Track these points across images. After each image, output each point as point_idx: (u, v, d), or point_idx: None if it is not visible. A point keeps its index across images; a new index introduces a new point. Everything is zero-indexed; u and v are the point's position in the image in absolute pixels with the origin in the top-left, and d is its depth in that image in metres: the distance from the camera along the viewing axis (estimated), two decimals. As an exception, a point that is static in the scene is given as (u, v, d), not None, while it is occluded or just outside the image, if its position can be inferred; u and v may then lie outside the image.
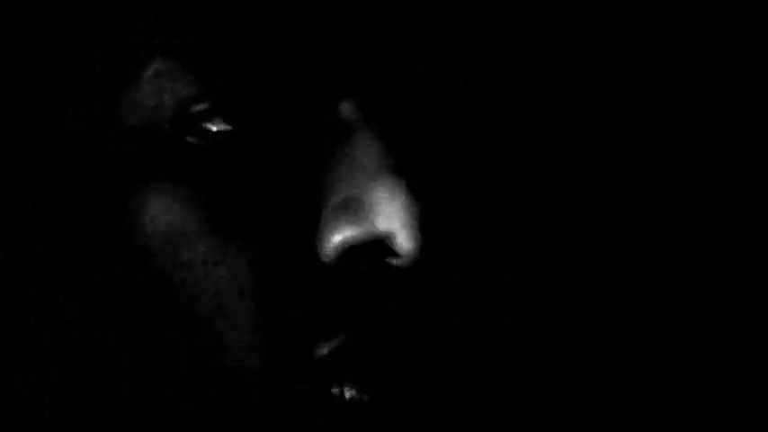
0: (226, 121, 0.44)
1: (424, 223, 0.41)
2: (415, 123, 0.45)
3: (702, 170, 0.60)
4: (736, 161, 0.60)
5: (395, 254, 0.42)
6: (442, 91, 0.45)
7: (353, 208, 0.42)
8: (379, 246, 0.42)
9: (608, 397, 0.58)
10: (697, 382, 0.59)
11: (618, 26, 0.55)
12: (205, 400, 0.44)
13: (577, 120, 0.54)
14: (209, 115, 0.44)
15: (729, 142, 0.60)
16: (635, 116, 0.57)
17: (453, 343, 0.44)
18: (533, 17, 0.49)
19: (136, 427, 0.47)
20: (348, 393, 0.42)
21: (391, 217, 0.41)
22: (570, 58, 0.52)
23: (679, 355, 0.59)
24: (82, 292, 0.49)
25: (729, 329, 0.60)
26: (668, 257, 0.58)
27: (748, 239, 0.60)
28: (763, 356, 0.59)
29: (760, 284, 0.60)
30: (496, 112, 0.47)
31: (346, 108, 0.44)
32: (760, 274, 0.60)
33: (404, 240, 0.41)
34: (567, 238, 0.53)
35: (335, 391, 0.42)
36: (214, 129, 0.44)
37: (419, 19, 0.45)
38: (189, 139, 0.44)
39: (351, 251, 0.42)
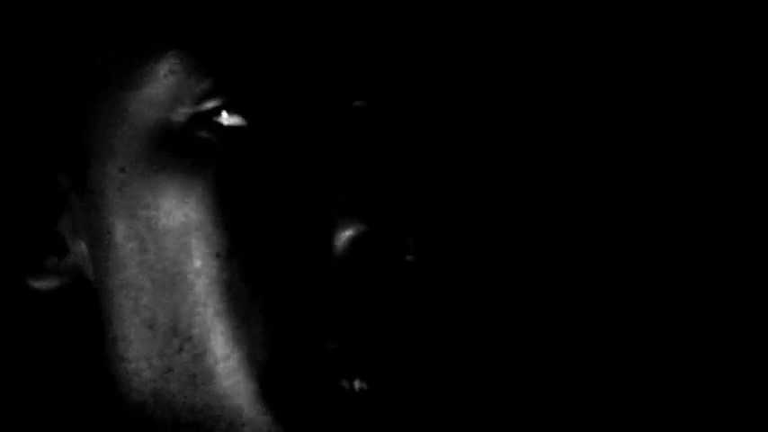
0: (237, 117, 0.44)
1: (434, 220, 0.42)
2: (425, 122, 0.45)
3: (702, 170, 0.60)
4: (736, 161, 0.60)
5: (404, 249, 0.42)
6: (450, 92, 0.46)
7: (363, 204, 0.42)
8: (389, 241, 0.42)
9: (608, 397, 0.58)
10: (697, 382, 0.59)
11: (619, 28, 0.55)
12: (213, 394, 0.44)
13: (576, 119, 0.54)
14: (222, 111, 0.44)
15: (729, 142, 0.60)
16: (635, 118, 0.57)
17: (460, 336, 0.45)
18: (537, 20, 0.49)
19: (145, 418, 0.47)
20: (358, 386, 0.42)
21: (401, 214, 0.41)
22: (569, 61, 0.52)
23: (679, 355, 0.59)
24: (97, 285, 0.49)
25: (729, 329, 0.60)
26: (667, 258, 0.58)
27: (748, 240, 0.60)
28: (764, 356, 0.59)
29: (760, 284, 0.60)
30: (502, 113, 0.47)
31: (357, 106, 0.44)
32: (760, 274, 0.60)
33: (413, 236, 0.41)
34: (568, 236, 0.54)
35: (345, 383, 0.42)
36: (225, 123, 0.44)
37: (426, 20, 0.45)
38: (202, 134, 0.44)
39: (361, 247, 0.42)
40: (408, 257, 0.42)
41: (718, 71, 0.60)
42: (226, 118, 0.44)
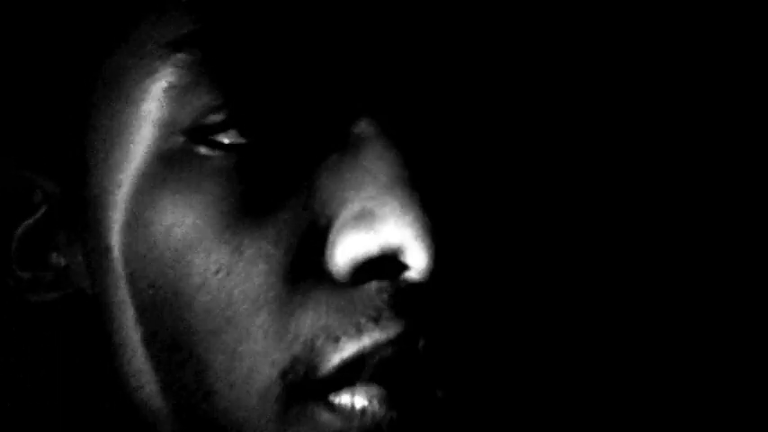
0: (239, 132, 0.44)
1: (437, 236, 0.41)
2: (428, 137, 0.45)
3: (702, 170, 0.60)
4: (736, 161, 0.60)
5: (406, 266, 0.42)
6: (454, 104, 0.45)
7: (365, 220, 0.42)
8: (391, 258, 0.42)
9: (609, 397, 0.58)
10: (697, 382, 0.59)
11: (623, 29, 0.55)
12: (215, 409, 0.44)
13: (588, 131, 0.54)
14: (223, 127, 0.44)
15: (729, 142, 0.60)
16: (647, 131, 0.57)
17: (463, 353, 0.44)
18: (543, 29, 0.49)
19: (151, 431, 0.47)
20: (359, 403, 0.42)
21: (403, 230, 0.41)
22: (579, 67, 0.52)
23: (679, 355, 0.59)
24: (95, 302, 0.49)
25: (729, 329, 0.60)
26: (676, 264, 0.58)
27: (748, 239, 0.60)
28: (764, 356, 0.59)
29: (760, 284, 0.60)
30: (507, 125, 0.47)
31: (359, 121, 0.44)
32: (760, 274, 0.60)
33: (416, 253, 0.41)
34: (578, 248, 0.53)
35: (346, 400, 0.42)
36: (227, 141, 0.44)
37: (432, 36, 0.45)
38: (202, 150, 0.44)
39: (363, 264, 0.42)
40: (409, 274, 0.42)
41: (719, 71, 0.60)
42: (226, 134, 0.44)
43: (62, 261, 0.50)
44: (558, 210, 0.51)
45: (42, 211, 0.50)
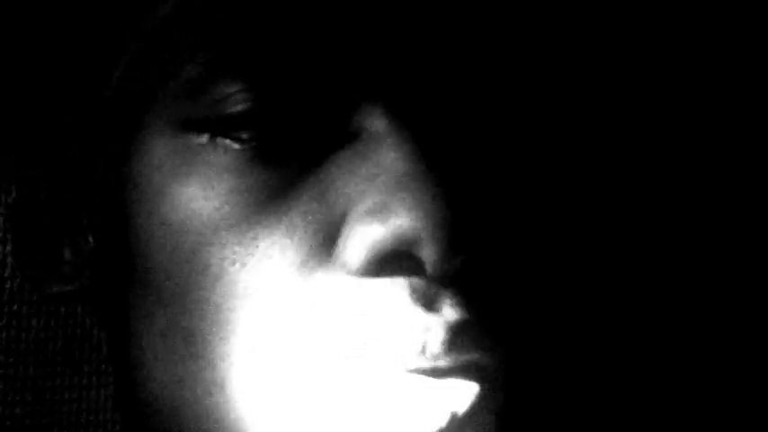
0: (254, 126, 0.44)
1: (451, 230, 0.41)
2: (440, 130, 0.45)
3: (702, 171, 0.60)
4: (736, 161, 0.60)
5: (421, 261, 0.42)
6: (467, 98, 0.45)
7: (379, 214, 0.42)
8: (406, 253, 0.42)
9: (611, 398, 0.58)
10: (697, 382, 0.60)
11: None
12: (227, 401, 0.44)
13: (602, 125, 0.54)
14: (238, 120, 0.44)
15: (729, 143, 0.60)
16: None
17: (480, 349, 0.44)
18: (560, 23, 0.49)
19: (157, 425, 0.47)
20: (376, 400, 0.42)
21: (417, 223, 0.41)
22: (588, 59, 0.52)
23: (684, 357, 0.59)
24: (114, 293, 0.49)
25: (729, 329, 0.60)
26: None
27: (748, 240, 0.60)
28: (764, 356, 0.60)
29: (760, 284, 0.60)
30: (521, 116, 0.47)
31: (373, 115, 0.44)
32: (760, 275, 0.60)
33: (429, 247, 0.41)
34: (591, 242, 0.54)
35: (359, 394, 0.42)
36: (241, 135, 0.44)
37: (443, 30, 0.45)
38: (217, 144, 0.44)
39: (377, 258, 0.42)
40: (425, 268, 0.42)
41: (719, 71, 0.60)
42: (240, 128, 0.44)
43: (77, 255, 0.50)
44: (573, 202, 0.51)
45: (52, 208, 0.50)
